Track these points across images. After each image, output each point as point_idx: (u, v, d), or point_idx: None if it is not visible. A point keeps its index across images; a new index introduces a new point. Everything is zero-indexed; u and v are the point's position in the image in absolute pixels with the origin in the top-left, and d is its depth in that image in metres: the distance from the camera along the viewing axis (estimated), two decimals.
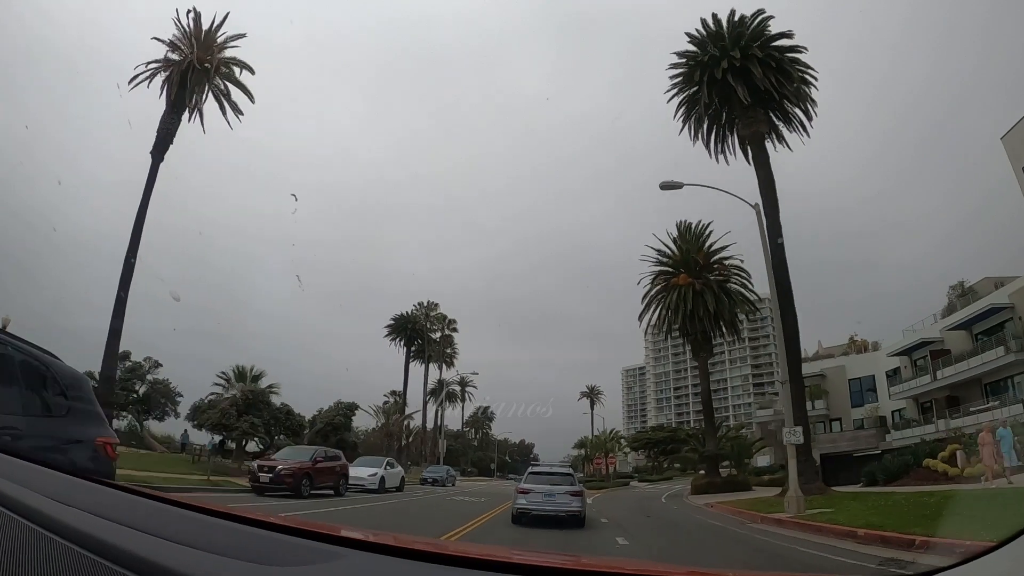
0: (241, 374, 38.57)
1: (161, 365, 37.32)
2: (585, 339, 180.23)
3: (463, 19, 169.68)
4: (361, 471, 21.22)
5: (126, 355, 36.17)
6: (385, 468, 22.20)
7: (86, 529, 1.14)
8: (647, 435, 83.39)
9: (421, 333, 62.62)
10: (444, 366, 61.35)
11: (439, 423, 58.89)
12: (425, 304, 63.36)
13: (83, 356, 27.31)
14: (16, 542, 1.08)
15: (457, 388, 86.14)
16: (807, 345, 58.33)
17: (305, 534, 1.29)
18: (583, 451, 77.36)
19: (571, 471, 15.37)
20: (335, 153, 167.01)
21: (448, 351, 63.94)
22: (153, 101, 29.89)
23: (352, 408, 37.79)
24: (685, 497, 28.24)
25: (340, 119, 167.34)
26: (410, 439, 53.62)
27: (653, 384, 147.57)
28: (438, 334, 63.09)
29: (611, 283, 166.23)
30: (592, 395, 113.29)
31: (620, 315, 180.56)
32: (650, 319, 34.29)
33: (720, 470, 33.25)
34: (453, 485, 34.99)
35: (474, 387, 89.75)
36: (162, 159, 33.26)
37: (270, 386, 39.65)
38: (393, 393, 65.21)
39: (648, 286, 34.67)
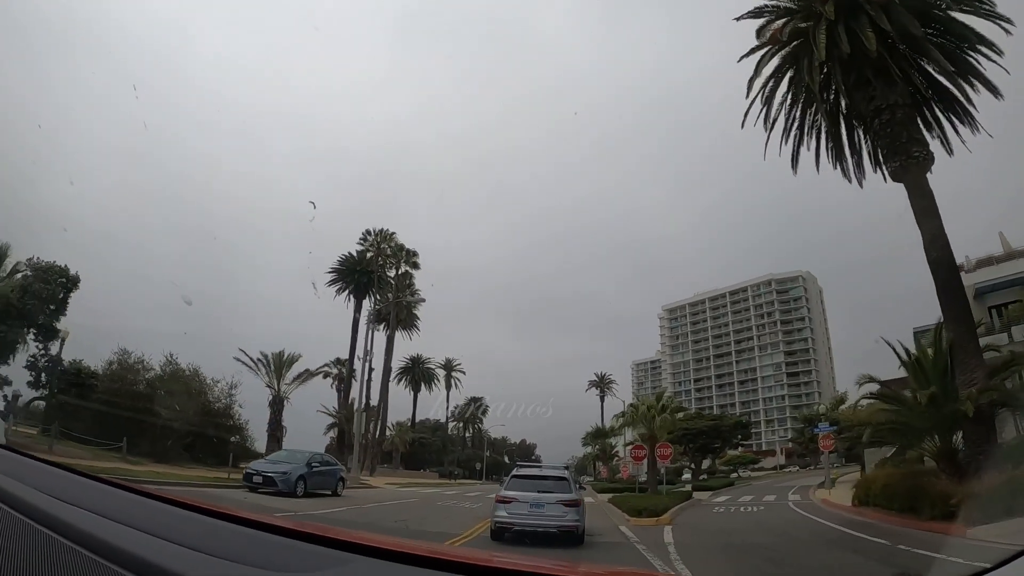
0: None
1: None
2: (594, 335, 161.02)
3: None
4: None
5: None
6: None
7: (88, 529, 1.09)
8: (682, 424, 63.87)
9: (374, 277, 43.37)
10: (396, 307, 41.85)
11: (367, 377, 37.79)
12: (376, 232, 44.11)
13: None
14: (16, 540, 1.04)
15: (436, 369, 68.48)
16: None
17: (313, 539, 1.26)
18: (594, 447, 57.71)
19: (566, 473, 11.29)
20: (357, 151, 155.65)
21: (409, 297, 44.54)
22: None
23: (62, 280, 17.64)
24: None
25: (357, 108, 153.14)
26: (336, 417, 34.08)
27: (670, 376, 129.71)
28: (393, 272, 43.86)
29: (629, 271, 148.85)
30: (602, 384, 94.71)
31: (633, 305, 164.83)
32: (768, 80, 15.13)
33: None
34: (335, 494, 16.11)
35: (462, 372, 72.80)
36: None
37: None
38: (338, 361, 46.76)
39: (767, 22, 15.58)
